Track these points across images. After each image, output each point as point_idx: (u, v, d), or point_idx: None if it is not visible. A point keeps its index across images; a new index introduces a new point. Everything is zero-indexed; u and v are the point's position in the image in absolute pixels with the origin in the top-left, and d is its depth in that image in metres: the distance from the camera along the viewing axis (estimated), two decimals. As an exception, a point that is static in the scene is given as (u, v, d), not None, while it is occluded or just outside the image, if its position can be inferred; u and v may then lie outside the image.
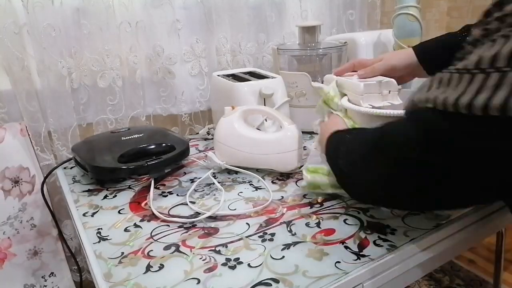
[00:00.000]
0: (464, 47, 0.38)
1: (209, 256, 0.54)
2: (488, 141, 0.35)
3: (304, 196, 0.69)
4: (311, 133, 1.04)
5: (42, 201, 0.86)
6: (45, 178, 0.85)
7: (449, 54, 0.43)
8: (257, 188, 0.73)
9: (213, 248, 0.55)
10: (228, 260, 0.53)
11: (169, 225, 0.62)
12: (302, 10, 1.24)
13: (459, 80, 0.35)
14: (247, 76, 0.97)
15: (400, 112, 0.56)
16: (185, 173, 0.82)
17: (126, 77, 1.00)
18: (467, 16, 1.56)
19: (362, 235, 0.56)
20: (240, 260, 0.52)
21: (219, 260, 0.53)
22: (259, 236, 0.58)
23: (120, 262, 0.54)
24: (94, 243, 0.59)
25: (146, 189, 0.76)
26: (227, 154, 0.80)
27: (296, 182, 0.75)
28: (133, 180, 0.81)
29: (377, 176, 0.48)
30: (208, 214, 0.63)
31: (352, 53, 1.06)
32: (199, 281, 0.49)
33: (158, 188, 0.76)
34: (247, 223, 0.61)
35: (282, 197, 0.69)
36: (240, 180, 0.77)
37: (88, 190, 0.77)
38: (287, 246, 0.55)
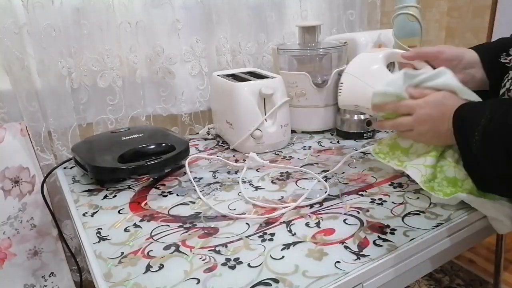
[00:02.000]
0: None
1: (209, 256, 0.54)
2: None
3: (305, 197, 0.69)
4: (311, 133, 1.04)
5: (42, 201, 0.86)
6: (45, 178, 0.85)
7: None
8: (257, 188, 0.73)
9: (213, 248, 0.55)
10: (228, 260, 0.53)
11: (169, 225, 0.62)
12: (302, 10, 1.24)
13: None
14: (247, 76, 0.97)
15: None
16: (185, 173, 0.82)
17: (126, 77, 1.00)
18: (467, 16, 1.56)
19: (362, 235, 0.56)
20: (240, 260, 0.52)
21: (219, 260, 0.53)
22: (259, 236, 0.58)
23: (120, 262, 0.54)
24: (94, 243, 0.59)
25: (146, 189, 0.76)
26: (355, 88, 0.73)
27: (296, 182, 0.75)
28: (133, 180, 0.81)
29: None
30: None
31: (352, 53, 1.06)
32: (199, 281, 0.49)
33: (158, 188, 0.76)
34: (247, 223, 0.61)
35: (282, 197, 0.69)
36: (240, 180, 0.77)
37: (88, 190, 0.77)
38: (287, 246, 0.55)
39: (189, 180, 0.79)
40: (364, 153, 0.88)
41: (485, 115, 0.54)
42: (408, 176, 0.66)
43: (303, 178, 0.76)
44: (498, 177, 0.57)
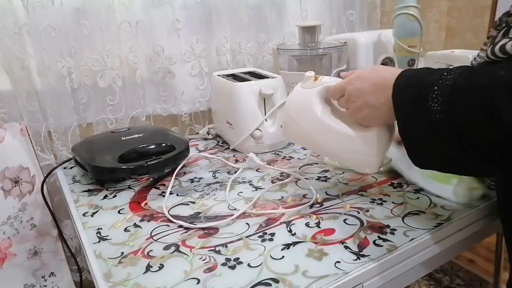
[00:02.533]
0: None
1: (209, 256, 0.54)
2: None
3: (304, 196, 0.69)
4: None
5: (42, 201, 0.86)
6: (45, 178, 0.85)
7: None
8: (257, 188, 0.73)
9: (213, 248, 0.55)
10: (228, 260, 0.53)
11: (169, 225, 0.62)
12: (302, 10, 1.24)
13: None
14: (247, 76, 0.97)
15: None
16: (185, 173, 0.82)
17: (126, 77, 1.00)
18: (467, 16, 1.56)
19: (362, 235, 0.56)
20: (240, 260, 0.52)
21: (219, 260, 0.53)
22: (259, 236, 0.58)
23: (120, 262, 0.54)
24: (94, 243, 0.59)
25: (146, 189, 0.76)
26: (294, 134, 0.66)
27: (296, 182, 0.75)
28: (133, 180, 0.81)
29: None
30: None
31: (352, 53, 1.06)
32: (199, 281, 0.49)
33: (158, 188, 0.76)
34: (247, 223, 0.61)
35: (282, 197, 0.69)
36: (240, 180, 0.77)
37: (88, 190, 0.77)
38: (287, 246, 0.55)
39: (189, 180, 0.79)
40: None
41: (443, 74, 0.46)
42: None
43: (303, 178, 0.76)
44: (471, 148, 0.45)
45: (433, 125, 0.46)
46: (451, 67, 0.48)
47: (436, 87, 0.45)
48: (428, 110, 0.46)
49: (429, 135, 0.47)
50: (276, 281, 0.48)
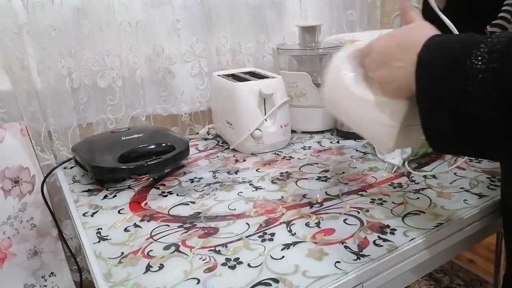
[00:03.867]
0: None
1: (209, 256, 0.54)
2: None
3: (304, 196, 0.69)
4: (311, 133, 1.04)
5: (42, 201, 0.86)
6: (45, 178, 0.85)
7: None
8: (257, 188, 0.73)
9: (213, 248, 0.55)
10: (228, 260, 0.53)
11: (169, 225, 0.62)
12: (302, 10, 1.24)
13: None
14: (247, 76, 0.97)
15: None
16: (185, 173, 0.82)
17: (126, 77, 1.00)
18: (467, 16, 1.55)
19: (362, 235, 0.56)
20: (240, 260, 0.52)
21: (219, 260, 0.53)
22: (259, 236, 0.58)
23: (120, 262, 0.54)
24: (94, 243, 0.59)
25: (146, 189, 0.76)
26: (327, 101, 0.58)
27: (296, 182, 0.75)
28: (133, 180, 0.81)
29: None
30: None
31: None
32: (199, 281, 0.49)
33: (158, 188, 0.76)
34: (247, 223, 0.61)
35: (282, 197, 0.69)
36: (240, 180, 0.77)
37: (88, 190, 0.77)
38: (287, 246, 0.55)
39: (189, 180, 0.79)
40: (364, 153, 0.88)
41: (493, 34, 0.37)
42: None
43: (303, 178, 0.76)
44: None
45: (469, 89, 0.35)
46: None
47: (482, 44, 0.35)
48: (467, 69, 0.35)
49: (460, 102, 0.36)
50: (276, 281, 0.48)
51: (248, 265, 0.51)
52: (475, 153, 0.47)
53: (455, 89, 0.36)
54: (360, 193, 0.69)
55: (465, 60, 0.35)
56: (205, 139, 1.06)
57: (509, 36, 0.35)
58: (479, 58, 0.35)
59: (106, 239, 0.60)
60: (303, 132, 1.05)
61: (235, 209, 0.66)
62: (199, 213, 0.65)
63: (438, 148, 0.43)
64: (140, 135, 0.86)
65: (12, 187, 0.86)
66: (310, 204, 0.66)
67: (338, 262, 0.51)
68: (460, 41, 0.38)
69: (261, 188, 0.73)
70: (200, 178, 0.79)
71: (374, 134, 0.54)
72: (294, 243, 0.55)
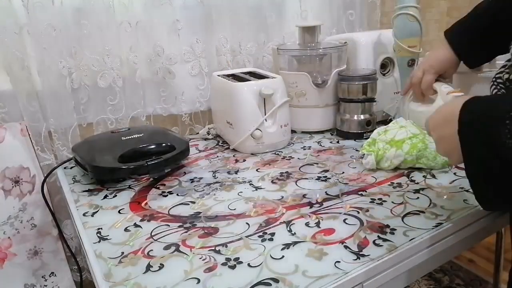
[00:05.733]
0: None
1: (209, 256, 0.54)
2: None
3: (304, 196, 0.69)
4: (311, 133, 1.04)
5: (42, 201, 0.86)
6: (45, 178, 0.85)
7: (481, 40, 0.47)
8: (257, 188, 0.73)
9: (213, 248, 0.55)
10: (228, 260, 0.53)
11: (169, 225, 0.62)
12: (302, 10, 1.24)
13: None
14: (247, 76, 0.97)
15: None
16: (185, 173, 0.82)
17: (126, 77, 1.00)
18: (467, 16, 1.55)
19: (362, 235, 0.56)
20: (240, 260, 0.52)
21: (219, 260, 0.53)
22: (259, 236, 0.58)
23: (120, 262, 0.54)
24: (94, 243, 0.59)
25: (146, 189, 0.76)
26: None
27: (296, 182, 0.75)
28: (133, 180, 0.81)
29: None
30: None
31: (352, 53, 1.06)
32: (199, 281, 0.49)
33: (158, 188, 0.76)
34: (247, 223, 0.61)
35: (282, 197, 0.69)
36: (240, 180, 0.77)
37: (88, 190, 0.77)
38: (287, 246, 0.55)
39: (189, 180, 0.79)
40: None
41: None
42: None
43: (303, 178, 0.76)
44: None
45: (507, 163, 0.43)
46: None
47: (508, 121, 0.41)
48: (503, 147, 0.41)
49: (502, 173, 0.44)
50: (276, 281, 0.48)
51: (248, 265, 0.51)
52: None
53: (494, 165, 0.45)
54: (360, 193, 0.69)
55: (497, 140, 0.42)
56: (205, 139, 1.06)
57: None
58: (508, 136, 0.40)
59: (106, 239, 0.60)
60: (303, 132, 1.05)
61: (235, 209, 0.66)
62: (199, 213, 0.65)
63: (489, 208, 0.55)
64: (140, 135, 0.86)
65: (13, 187, 0.86)
66: (310, 204, 0.66)
67: (338, 262, 0.51)
68: (486, 115, 0.44)
69: (261, 188, 0.73)
70: (200, 178, 0.79)
71: None
72: (294, 243, 0.55)
